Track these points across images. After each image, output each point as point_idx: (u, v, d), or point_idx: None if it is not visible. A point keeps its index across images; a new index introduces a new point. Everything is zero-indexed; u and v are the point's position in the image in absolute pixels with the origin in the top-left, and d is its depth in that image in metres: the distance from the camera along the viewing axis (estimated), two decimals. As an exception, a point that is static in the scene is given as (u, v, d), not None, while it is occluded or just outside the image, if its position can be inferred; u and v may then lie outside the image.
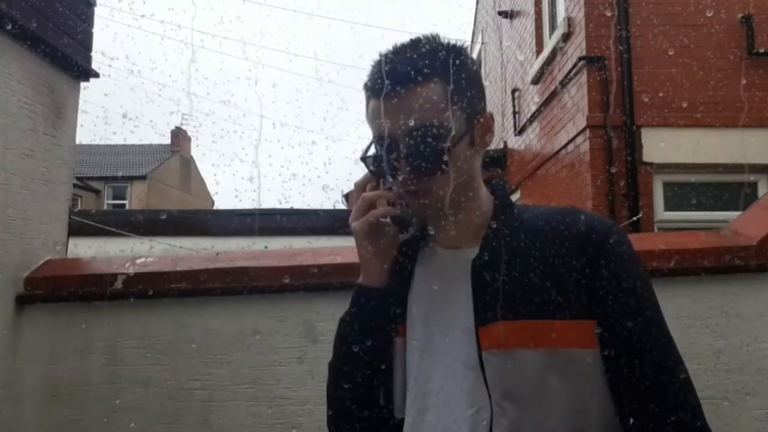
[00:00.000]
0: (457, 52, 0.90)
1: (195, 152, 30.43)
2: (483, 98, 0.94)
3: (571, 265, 0.86)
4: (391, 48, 0.91)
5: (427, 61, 0.87)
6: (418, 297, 0.95)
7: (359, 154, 0.96)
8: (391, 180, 0.91)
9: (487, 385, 0.85)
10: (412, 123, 0.86)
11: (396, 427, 0.93)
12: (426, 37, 0.91)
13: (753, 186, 5.72)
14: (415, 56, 0.87)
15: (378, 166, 0.92)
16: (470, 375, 0.86)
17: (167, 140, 28.70)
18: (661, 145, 5.52)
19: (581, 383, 0.84)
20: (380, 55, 0.91)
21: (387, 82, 0.86)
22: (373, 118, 0.90)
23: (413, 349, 0.93)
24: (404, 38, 0.94)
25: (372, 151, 0.94)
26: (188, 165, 29.46)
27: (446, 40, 0.92)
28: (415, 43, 0.90)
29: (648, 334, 0.86)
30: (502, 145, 9.55)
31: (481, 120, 0.93)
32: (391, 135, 0.88)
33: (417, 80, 0.86)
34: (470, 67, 0.92)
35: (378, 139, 0.91)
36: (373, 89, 0.89)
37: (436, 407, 0.88)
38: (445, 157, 0.86)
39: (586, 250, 0.87)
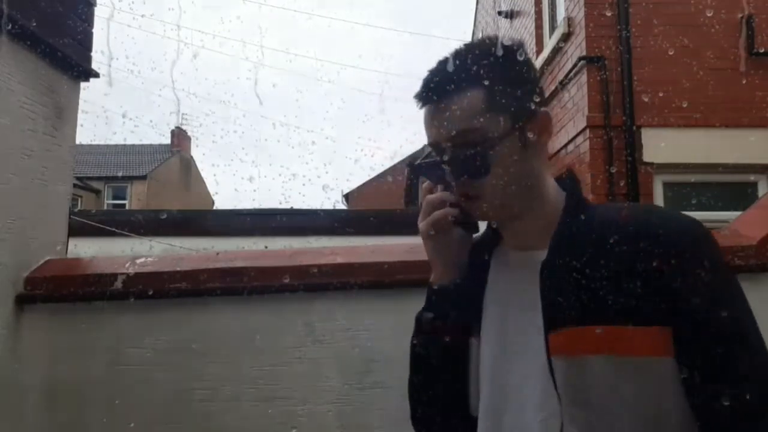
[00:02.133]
0: (504, 53, 0.90)
1: (195, 152, 30.43)
2: (533, 98, 0.93)
3: (646, 268, 0.81)
4: (445, 55, 0.94)
5: (466, 68, 0.89)
6: (492, 299, 0.96)
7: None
8: (444, 185, 0.96)
9: (557, 391, 0.83)
10: (451, 131, 0.89)
11: (472, 424, 0.94)
12: (478, 42, 0.94)
13: (753, 186, 5.71)
14: (456, 63, 0.90)
15: (430, 172, 0.97)
16: (541, 380, 0.85)
17: (167, 140, 28.69)
18: (661, 145, 5.52)
19: (656, 392, 0.80)
20: (437, 62, 0.94)
21: (429, 91, 0.91)
22: (424, 125, 0.94)
23: (487, 352, 0.94)
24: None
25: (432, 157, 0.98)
26: (188, 165, 29.45)
27: (499, 41, 0.92)
28: (464, 49, 0.93)
29: (746, 349, 0.80)
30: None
31: (534, 119, 0.92)
32: (436, 143, 0.93)
33: (455, 88, 0.89)
34: (514, 69, 0.92)
35: (429, 146, 0.95)
36: (419, 98, 0.94)
37: (511, 411, 0.89)
38: (487, 162, 0.88)
39: (664, 252, 0.81)
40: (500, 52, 0.90)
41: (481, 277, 0.98)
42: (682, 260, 0.81)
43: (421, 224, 0.98)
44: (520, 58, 0.93)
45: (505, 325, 0.93)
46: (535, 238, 0.92)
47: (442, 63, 0.92)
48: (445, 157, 0.91)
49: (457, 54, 0.92)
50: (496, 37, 0.93)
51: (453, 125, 0.89)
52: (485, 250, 1.00)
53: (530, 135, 0.91)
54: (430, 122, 0.92)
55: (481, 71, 0.89)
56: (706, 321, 0.79)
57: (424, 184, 1.00)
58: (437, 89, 0.90)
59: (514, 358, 0.90)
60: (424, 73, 0.94)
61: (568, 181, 0.97)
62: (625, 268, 0.82)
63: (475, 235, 1.02)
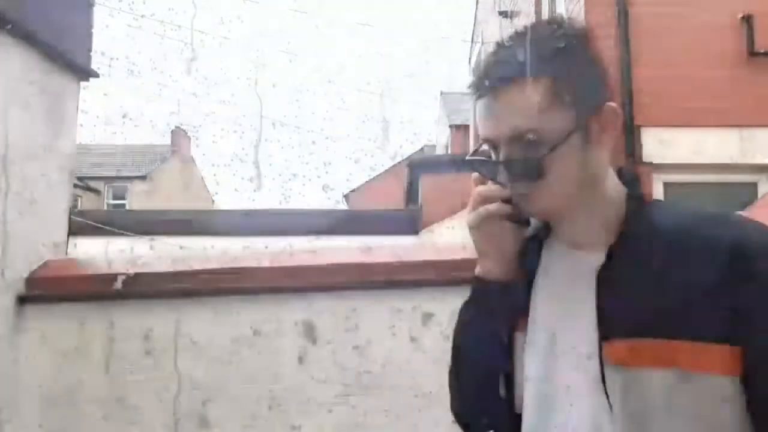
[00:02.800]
0: (570, 40, 0.84)
1: (195, 152, 30.41)
2: (600, 90, 0.86)
3: (715, 281, 0.77)
4: (505, 38, 0.86)
5: (530, 56, 0.80)
6: (542, 295, 0.91)
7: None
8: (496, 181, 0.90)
9: (610, 404, 0.80)
10: (510, 128, 0.82)
11: (515, 421, 0.90)
12: (542, 24, 0.86)
13: (753, 186, 5.72)
14: (515, 52, 0.82)
15: (482, 168, 0.91)
16: (592, 389, 0.82)
17: (167, 140, 28.68)
18: (661, 145, 5.52)
19: (718, 411, 0.77)
20: (495, 46, 0.87)
21: (487, 81, 0.84)
22: (479, 117, 0.87)
23: (533, 349, 0.89)
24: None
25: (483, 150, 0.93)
26: (188, 165, 29.44)
27: (565, 26, 0.86)
28: (527, 33, 0.84)
29: None
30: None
31: (599, 115, 0.85)
32: (491, 138, 0.86)
33: (517, 79, 0.80)
34: (582, 57, 0.85)
35: (483, 140, 0.88)
36: (475, 89, 0.86)
37: (558, 415, 0.85)
38: (546, 165, 0.81)
39: (737, 265, 0.77)
40: (568, 38, 0.83)
41: (529, 270, 0.93)
42: (761, 277, 0.77)
43: (469, 216, 0.91)
44: (589, 45, 0.86)
45: (553, 324, 0.88)
46: (590, 237, 0.87)
47: (503, 48, 0.85)
48: (501, 156, 0.84)
49: (519, 38, 0.83)
50: (557, 20, 0.87)
51: (512, 122, 0.81)
52: (535, 243, 0.94)
53: (595, 132, 0.84)
54: (486, 115, 0.85)
55: (547, 60, 0.81)
56: None
57: (474, 174, 0.93)
58: (497, 79, 0.82)
59: (562, 361, 0.86)
60: (487, 60, 0.87)
61: (628, 176, 0.91)
62: (694, 280, 0.78)
63: (528, 229, 0.96)
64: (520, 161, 0.83)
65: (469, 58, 13.70)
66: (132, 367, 1.82)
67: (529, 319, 0.91)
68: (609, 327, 0.81)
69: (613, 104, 0.86)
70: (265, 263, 1.87)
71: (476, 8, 12.96)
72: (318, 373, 1.79)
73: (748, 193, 5.61)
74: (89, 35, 2.19)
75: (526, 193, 0.85)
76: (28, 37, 1.87)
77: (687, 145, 5.36)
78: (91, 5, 2.22)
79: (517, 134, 0.82)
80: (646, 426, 0.78)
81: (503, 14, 9.70)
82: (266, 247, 2.42)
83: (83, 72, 2.17)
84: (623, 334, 0.79)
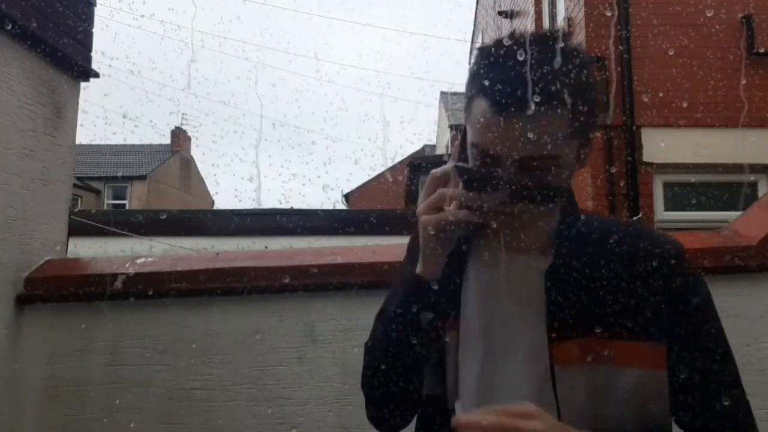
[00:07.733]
0: (588, 71, 0.83)
1: (195, 152, 30.41)
2: (597, 119, 0.88)
3: (648, 286, 0.85)
4: (510, 42, 0.81)
5: (558, 84, 0.78)
6: (477, 296, 0.91)
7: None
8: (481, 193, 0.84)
9: (556, 398, 0.82)
10: (531, 151, 0.79)
11: (436, 414, 0.89)
12: (563, 47, 0.80)
13: (753, 186, 5.72)
14: (545, 72, 0.78)
15: (474, 181, 0.84)
16: (537, 385, 0.84)
17: (167, 140, 28.68)
18: (661, 145, 5.52)
19: (651, 403, 0.83)
20: (500, 49, 0.81)
21: (515, 99, 0.78)
22: (487, 128, 0.81)
23: (469, 347, 0.89)
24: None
25: (467, 157, 0.87)
26: (188, 165, 29.43)
27: (580, 53, 0.84)
28: (551, 54, 0.79)
29: (730, 363, 0.89)
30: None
31: (592, 141, 0.90)
32: (502, 156, 0.81)
33: (545, 106, 0.78)
34: (594, 90, 0.85)
35: (481, 152, 0.83)
36: (492, 97, 0.80)
37: None
38: (556, 191, 0.83)
39: (665, 272, 0.86)
40: (587, 69, 0.83)
41: (460, 267, 0.92)
42: (682, 283, 0.86)
43: (428, 218, 0.85)
44: (594, 74, 0.87)
45: (491, 323, 0.88)
46: (532, 242, 0.89)
47: (532, 67, 0.78)
48: (509, 175, 0.81)
49: (545, 57, 0.78)
50: (577, 48, 0.84)
51: (537, 146, 0.78)
52: (466, 243, 0.93)
53: (583, 155, 0.89)
54: (503, 131, 0.79)
55: (574, 93, 0.79)
56: (698, 337, 0.86)
57: (437, 172, 0.87)
58: (526, 99, 0.77)
59: (504, 359, 0.87)
60: (504, 70, 0.80)
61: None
62: (629, 284, 0.85)
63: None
64: (534, 183, 0.81)
65: (469, 58, 13.69)
66: (132, 367, 1.82)
67: (462, 317, 0.90)
68: (558, 327, 0.84)
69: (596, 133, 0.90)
70: (265, 263, 1.87)
71: (476, 8, 12.95)
72: (318, 373, 1.79)
73: (747, 193, 5.61)
74: (89, 35, 2.19)
75: (519, 212, 0.83)
76: (28, 37, 1.87)
77: (687, 145, 5.35)
78: (91, 5, 2.22)
79: (538, 158, 0.80)
80: (589, 418, 0.81)
81: (503, 14, 9.71)
82: (266, 247, 2.42)
83: (83, 72, 2.17)
84: (573, 334, 0.83)
